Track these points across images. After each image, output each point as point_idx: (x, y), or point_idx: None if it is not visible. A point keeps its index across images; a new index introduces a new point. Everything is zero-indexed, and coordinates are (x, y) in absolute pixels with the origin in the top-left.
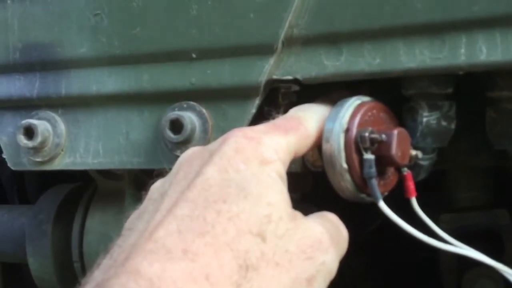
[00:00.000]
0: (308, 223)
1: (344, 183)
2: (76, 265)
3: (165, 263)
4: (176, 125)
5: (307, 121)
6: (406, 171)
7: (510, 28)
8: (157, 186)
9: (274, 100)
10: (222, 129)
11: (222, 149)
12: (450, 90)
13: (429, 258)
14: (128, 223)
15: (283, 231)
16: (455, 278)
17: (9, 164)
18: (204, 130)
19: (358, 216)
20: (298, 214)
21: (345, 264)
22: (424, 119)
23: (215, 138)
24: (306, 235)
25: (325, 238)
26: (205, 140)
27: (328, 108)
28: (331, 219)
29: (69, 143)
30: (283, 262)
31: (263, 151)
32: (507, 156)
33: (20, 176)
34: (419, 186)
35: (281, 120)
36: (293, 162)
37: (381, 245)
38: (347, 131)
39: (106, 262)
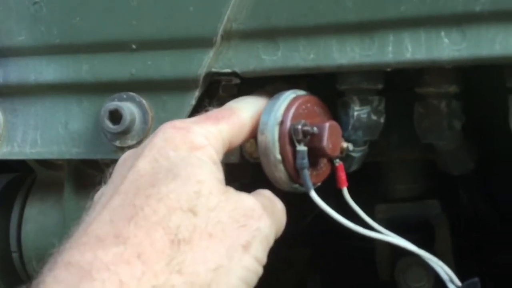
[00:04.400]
0: (239, 196)
1: (278, 173)
2: (15, 255)
3: (96, 250)
4: (115, 116)
5: (240, 111)
6: (338, 163)
7: (434, 28)
8: (98, 193)
9: (215, 93)
10: (162, 120)
11: (152, 142)
12: (380, 86)
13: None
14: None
15: (214, 203)
16: (389, 267)
17: None
18: (144, 121)
19: (298, 206)
20: (230, 188)
21: (292, 254)
22: (355, 113)
23: (155, 129)
24: (238, 206)
25: (257, 206)
26: (145, 130)
27: (263, 100)
28: (264, 193)
29: (7, 132)
30: (216, 232)
31: (192, 138)
32: (434, 150)
33: None
34: (357, 177)
35: (213, 111)
36: (231, 153)
37: (326, 234)
38: (282, 123)
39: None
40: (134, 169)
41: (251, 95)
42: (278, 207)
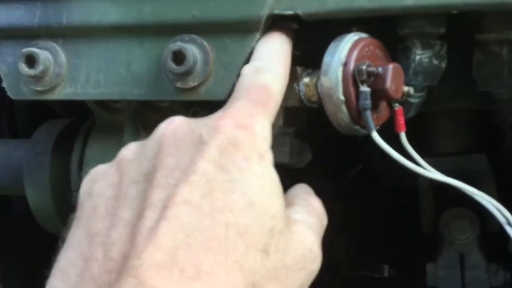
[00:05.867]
0: (300, 231)
1: (340, 114)
2: (75, 194)
3: (180, 284)
4: (179, 56)
5: (275, 89)
6: (397, 107)
7: None
8: (133, 160)
9: None
10: (223, 63)
11: (218, 140)
12: (442, 30)
13: (407, 204)
14: (98, 197)
15: (283, 244)
16: (433, 220)
17: (9, 94)
18: (206, 63)
19: (339, 161)
20: (290, 218)
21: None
22: (417, 57)
23: (216, 72)
24: (300, 246)
25: (315, 246)
26: (206, 72)
27: (286, 65)
28: (317, 209)
29: (70, 73)
30: (282, 277)
31: (259, 143)
32: (491, 99)
33: (11, 111)
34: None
35: (251, 92)
36: (289, 96)
37: (360, 191)
38: (345, 64)
39: (93, 253)
40: (203, 176)
41: (271, 47)
42: (324, 224)
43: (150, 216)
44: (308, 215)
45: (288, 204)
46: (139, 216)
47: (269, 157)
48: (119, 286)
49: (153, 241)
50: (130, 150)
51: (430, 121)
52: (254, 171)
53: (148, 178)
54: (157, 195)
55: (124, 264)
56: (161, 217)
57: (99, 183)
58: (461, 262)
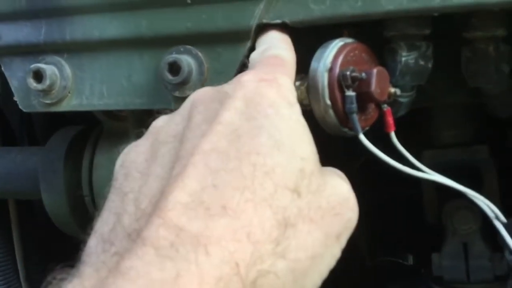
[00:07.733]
0: (335, 180)
1: (328, 118)
2: (87, 199)
3: (206, 220)
4: (174, 68)
5: (287, 58)
6: (385, 107)
7: None
8: (163, 126)
9: None
10: (217, 71)
11: (243, 93)
12: (427, 31)
13: (412, 196)
14: (130, 164)
15: (315, 186)
16: (436, 211)
17: (20, 107)
18: (200, 72)
19: (344, 154)
20: (325, 169)
21: None
22: (403, 59)
23: (211, 80)
24: (335, 192)
25: (352, 196)
26: (201, 81)
27: (287, 39)
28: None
29: (76, 86)
30: (317, 218)
31: (286, 93)
32: (481, 93)
33: (29, 119)
34: (404, 124)
35: (265, 60)
36: None
37: (367, 182)
38: (331, 70)
39: (125, 208)
40: (230, 125)
41: (271, 37)
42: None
43: (178, 166)
44: (341, 176)
45: None
46: (170, 169)
47: (298, 107)
48: (146, 228)
49: (179, 184)
50: (160, 120)
51: (430, 113)
52: (281, 115)
53: (178, 138)
54: (185, 149)
55: (152, 211)
56: (188, 163)
57: (131, 154)
58: (465, 251)
